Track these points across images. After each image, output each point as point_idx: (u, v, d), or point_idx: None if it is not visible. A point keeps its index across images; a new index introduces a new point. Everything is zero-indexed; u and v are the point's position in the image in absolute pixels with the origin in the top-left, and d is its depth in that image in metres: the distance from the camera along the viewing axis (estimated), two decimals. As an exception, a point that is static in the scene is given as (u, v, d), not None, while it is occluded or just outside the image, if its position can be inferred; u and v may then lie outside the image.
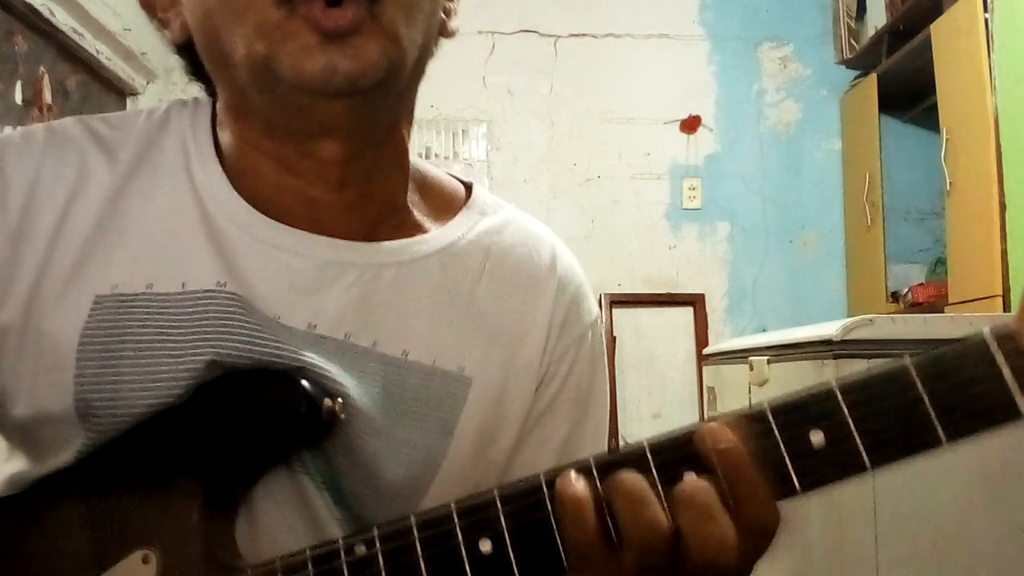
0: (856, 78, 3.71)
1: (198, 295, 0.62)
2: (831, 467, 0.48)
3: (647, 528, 0.47)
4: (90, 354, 0.60)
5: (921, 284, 3.30)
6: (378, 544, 0.52)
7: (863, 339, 1.84)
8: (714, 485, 0.48)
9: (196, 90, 0.72)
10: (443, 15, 0.68)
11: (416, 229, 0.70)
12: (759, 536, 0.48)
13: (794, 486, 0.48)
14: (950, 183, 2.89)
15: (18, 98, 2.48)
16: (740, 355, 2.45)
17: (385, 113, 0.65)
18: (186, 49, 0.67)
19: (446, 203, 0.74)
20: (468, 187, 0.77)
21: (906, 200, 3.60)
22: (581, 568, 0.49)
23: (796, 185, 3.77)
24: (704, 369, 3.02)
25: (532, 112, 3.73)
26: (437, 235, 0.70)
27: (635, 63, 3.75)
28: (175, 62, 0.70)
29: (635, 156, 3.73)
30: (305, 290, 0.63)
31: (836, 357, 1.85)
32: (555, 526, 0.50)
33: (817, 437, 0.47)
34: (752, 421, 0.49)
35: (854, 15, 3.68)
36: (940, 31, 2.97)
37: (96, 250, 0.62)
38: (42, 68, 2.61)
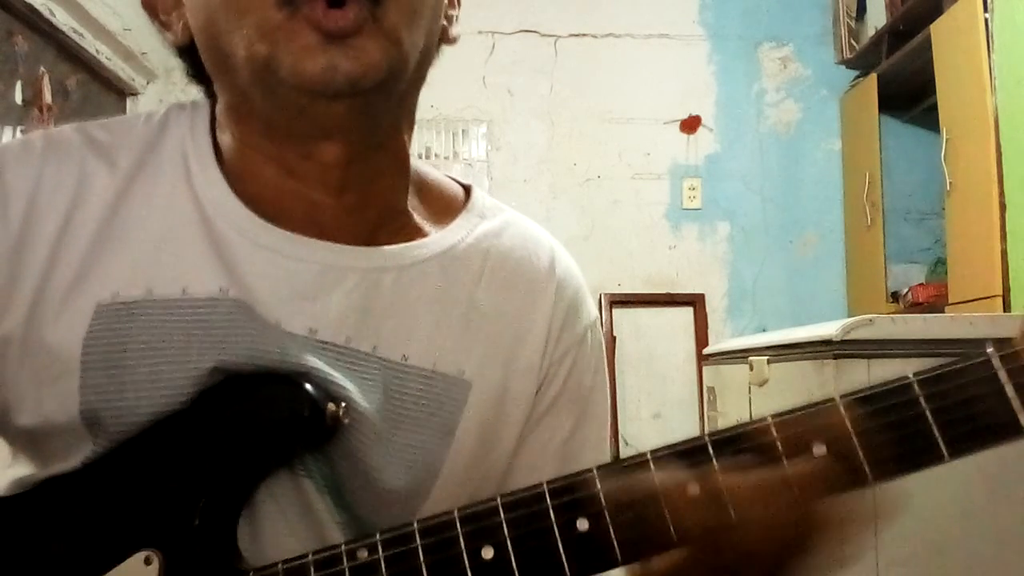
0: (856, 78, 3.70)
1: (200, 301, 0.61)
2: (831, 481, 0.49)
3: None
4: (94, 363, 0.60)
5: (921, 284, 3.30)
6: (380, 549, 0.52)
7: (863, 339, 1.83)
8: None
9: (196, 91, 0.72)
10: (444, 22, 0.68)
11: (416, 233, 0.70)
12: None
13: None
14: (950, 183, 2.89)
15: (18, 98, 2.48)
16: (740, 355, 2.45)
17: (386, 116, 0.65)
18: (187, 51, 0.67)
19: (445, 206, 0.74)
20: (467, 190, 0.77)
21: (906, 200, 3.60)
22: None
23: (796, 185, 3.77)
24: (704, 369, 3.02)
25: (532, 112, 3.73)
26: (437, 239, 0.70)
27: (635, 63, 3.75)
28: (175, 62, 0.70)
29: (635, 156, 3.73)
30: (306, 296, 0.63)
31: (836, 357, 1.85)
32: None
33: (820, 450, 0.49)
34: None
35: (854, 15, 3.67)
36: (940, 31, 2.96)
37: (97, 257, 0.62)
38: (42, 68, 2.61)
